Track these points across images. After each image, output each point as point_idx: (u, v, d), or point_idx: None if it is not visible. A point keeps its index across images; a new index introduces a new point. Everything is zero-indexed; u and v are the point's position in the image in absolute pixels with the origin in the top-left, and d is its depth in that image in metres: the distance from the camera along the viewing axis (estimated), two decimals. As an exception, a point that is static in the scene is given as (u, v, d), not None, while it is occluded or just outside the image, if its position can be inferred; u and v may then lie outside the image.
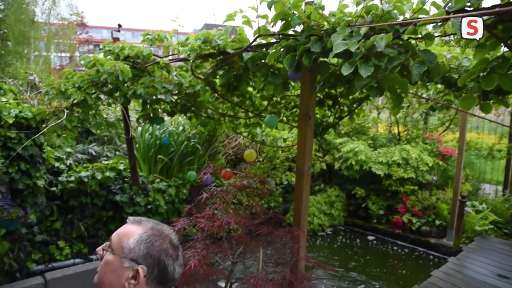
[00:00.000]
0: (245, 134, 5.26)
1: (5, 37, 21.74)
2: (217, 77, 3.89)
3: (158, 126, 6.39)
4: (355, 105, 4.24)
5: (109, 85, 3.89)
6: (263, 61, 3.24)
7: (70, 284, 3.98)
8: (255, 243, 3.12)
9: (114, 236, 1.14)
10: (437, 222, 6.87)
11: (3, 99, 4.11)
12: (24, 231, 4.06)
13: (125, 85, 3.98)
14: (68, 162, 5.41)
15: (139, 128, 6.50)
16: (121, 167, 5.45)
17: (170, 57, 4.25)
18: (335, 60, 3.27)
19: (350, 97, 4.10)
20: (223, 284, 4.55)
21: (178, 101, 4.64)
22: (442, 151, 7.60)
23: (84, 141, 6.40)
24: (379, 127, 10.23)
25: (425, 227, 6.95)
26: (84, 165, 5.38)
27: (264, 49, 3.15)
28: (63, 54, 24.26)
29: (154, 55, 4.18)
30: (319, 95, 3.95)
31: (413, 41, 2.35)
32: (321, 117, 4.40)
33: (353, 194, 8.06)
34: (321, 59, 2.72)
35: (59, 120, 3.81)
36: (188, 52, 3.51)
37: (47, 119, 4.00)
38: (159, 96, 4.29)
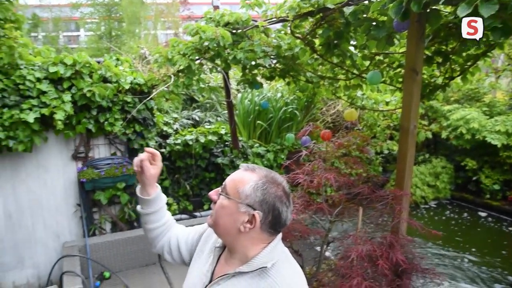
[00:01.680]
0: (344, 98, 5.09)
1: (120, 19, 24.05)
2: (316, 37, 3.79)
3: (257, 93, 6.53)
4: (469, 63, 3.80)
5: (211, 51, 4.04)
6: (365, 15, 3.06)
7: (177, 237, 4.38)
8: (354, 205, 3.06)
9: (229, 182, 1.18)
10: None
11: (121, 68, 4.54)
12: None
13: (226, 51, 4.11)
14: (174, 127, 5.86)
15: (239, 95, 6.72)
16: (222, 131, 5.73)
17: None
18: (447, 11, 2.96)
19: (464, 53, 3.68)
20: (318, 247, 4.58)
21: (277, 65, 4.67)
22: None
23: (188, 108, 6.85)
24: (497, 94, 9.08)
25: (552, 205, 6.12)
26: (189, 129, 5.77)
27: (366, 1, 2.97)
28: (168, 31, 25.94)
29: (253, 20, 4.22)
30: (426, 52, 3.62)
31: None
32: (428, 77, 4.04)
33: (462, 166, 7.40)
34: (432, 7, 2.48)
35: (167, 85, 4.10)
36: (287, 12, 3.47)
37: (156, 85, 4.35)
38: (258, 61, 4.36)
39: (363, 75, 4.16)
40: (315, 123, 4.17)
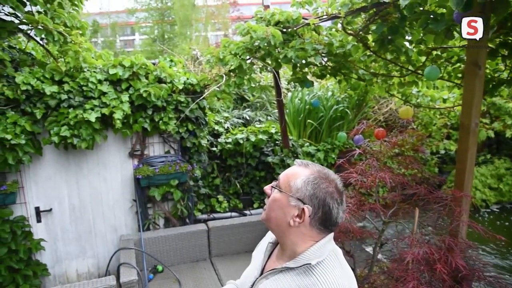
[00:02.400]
0: (398, 95, 4.91)
1: (173, 23, 24.97)
2: (370, 33, 3.69)
3: (307, 92, 6.48)
4: (540, 56, 3.52)
5: (262, 51, 4.07)
6: (421, 8, 2.93)
7: (227, 234, 4.46)
8: (409, 206, 2.95)
9: (282, 176, 1.21)
10: None
11: (174, 69, 4.70)
12: (191, 183, 4.65)
13: (276, 50, 4.11)
14: (225, 126, 5.95)
15: (289, 94, 6.70)
16: (273, 130, 5.74)
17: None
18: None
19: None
20: (369, 249, 4.45)
21: (328, 63, 4.60)
22: None
23: (239, 107, 6.94)
24: None
25: None
26: (240, 128, 5.84)
27: (424, -6, 2.85)
28: (218, 33, 26.50)
29: (303, 18, 4.19)
30: (490, 44, 3.40)
31: None
32: (491, 72, 3.80)
33: (529, 168, 6.88)
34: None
35: (218, 85, 4.18)
36: (339, 8, 3.41)
37: (208, 85, 4.45)
38: (308, 60, 4.32)
39: (419, 71, 3.99)
40: (368, 122, 4.07)
